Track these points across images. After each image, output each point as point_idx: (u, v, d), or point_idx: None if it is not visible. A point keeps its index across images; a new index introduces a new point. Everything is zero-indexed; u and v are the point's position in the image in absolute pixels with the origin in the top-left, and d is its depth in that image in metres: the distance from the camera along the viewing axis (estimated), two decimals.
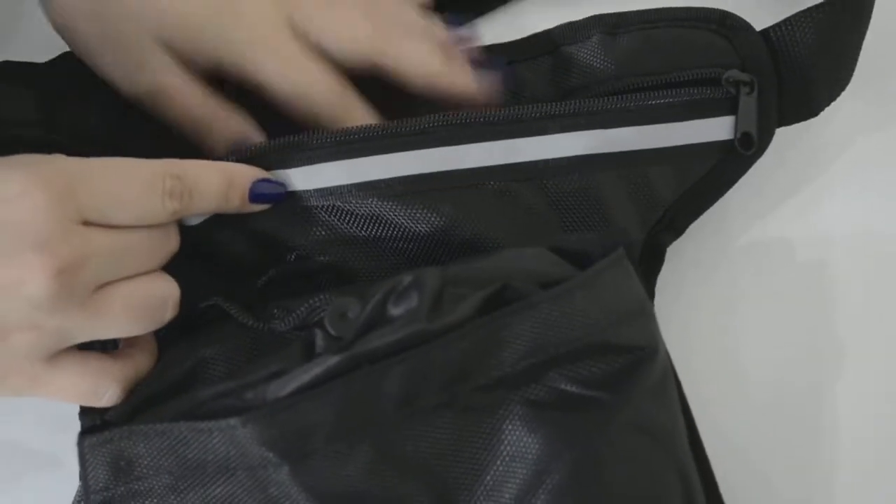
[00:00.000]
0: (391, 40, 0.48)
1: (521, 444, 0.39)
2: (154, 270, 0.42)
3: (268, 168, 0.45)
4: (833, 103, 0.52)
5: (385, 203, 0.45)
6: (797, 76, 0.50)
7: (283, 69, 0.47)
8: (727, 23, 0.50)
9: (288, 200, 0.45)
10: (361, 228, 0.46)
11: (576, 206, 0.48)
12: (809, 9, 0.50)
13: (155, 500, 0.40)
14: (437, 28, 0.50)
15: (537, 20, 0.53)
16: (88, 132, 0.46)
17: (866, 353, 0.52)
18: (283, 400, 0.38)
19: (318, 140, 0.45)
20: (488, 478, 0.39)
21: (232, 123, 0.47)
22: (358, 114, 0.48)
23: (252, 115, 0.48)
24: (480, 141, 0.46)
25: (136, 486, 0.40)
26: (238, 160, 0.45)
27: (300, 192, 0.45)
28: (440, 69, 0.49)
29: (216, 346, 0.43)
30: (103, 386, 0.41)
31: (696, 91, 0.49)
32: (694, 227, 0.52)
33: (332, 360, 0.38)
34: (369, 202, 0.45)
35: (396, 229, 0.46)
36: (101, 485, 0.40)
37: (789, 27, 0.50)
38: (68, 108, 0.47)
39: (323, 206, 0.45)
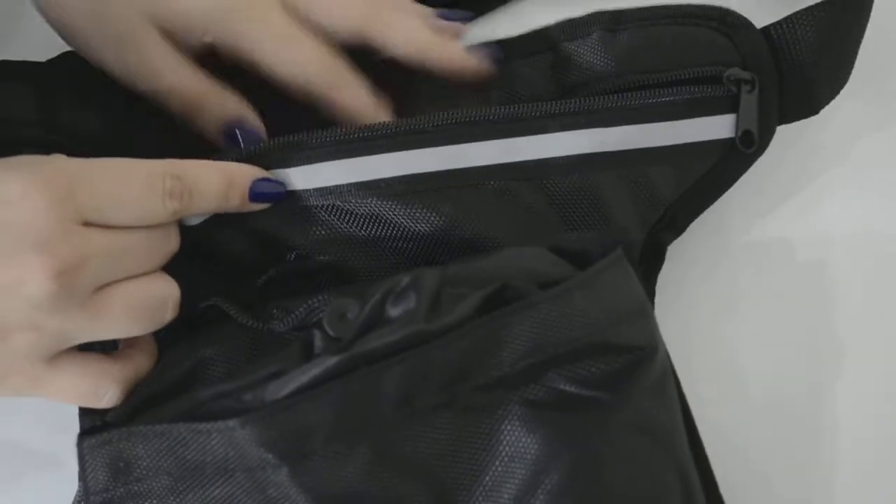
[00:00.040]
0: (381, 14, 0.48)
1: (521, 444, 0.39)
2: (154, 271, 0.42)
3: (268, 167, 0.45)
4: (833, 102, 0.52)
5: (385, 202, 0.45)
6: (798, 74, 0.50)
7: (276, 45, 0.47)
8: (728, 20, 0.50)
9: (288, 200, 0.45)
10: (361, 228, 0.46)
11: (576, 206, 0.48)
12: (810, 7, 0.50)
13: (154, 502, 0.40)
14: (425, 7, 0.50)
15: (539, 20, 0.52)
16: (88, 132, 0.46)
17: (866, 353, 0.52)
18: (282, 401, 0.38)
19: (317, 139, 0.45)
20: (487, 478, 0.39)
21: (225, 103, 0.47)
22: (351, 86, 0.48)
23: (246, 96, 0.48)
24: (480, 140, 0.46)
25: (136, 488, 0.40)
26: (238, 160, 0.44)
27: (300, 191, 0.45)
28: (429, 42, 0.49)
29: (216, 347, 0.43)
30: (103, 387, 0.41)
31: (697, 89, 0.49)
32: (694, 227, 0.52)
33: (331, 361, 0.38)
34: (369, 202, 0.45)
35: (396, 229, 0.46)
36: (100, 486, 0.40)
37: (790, 25, 0.50)
38: (68, 107, 0.47)
39: (322, 205, 0.45)
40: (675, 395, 0.43)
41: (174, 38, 0.46)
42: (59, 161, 0.40)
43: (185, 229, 0.43)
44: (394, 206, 0.45)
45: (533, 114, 0.47)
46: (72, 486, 0.41)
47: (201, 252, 0.45)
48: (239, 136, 0.47)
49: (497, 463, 0.39)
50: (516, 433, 0.39)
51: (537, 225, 0.47)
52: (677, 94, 0.48)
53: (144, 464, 0.40)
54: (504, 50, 0.51)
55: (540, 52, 0.51)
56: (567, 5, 0.52)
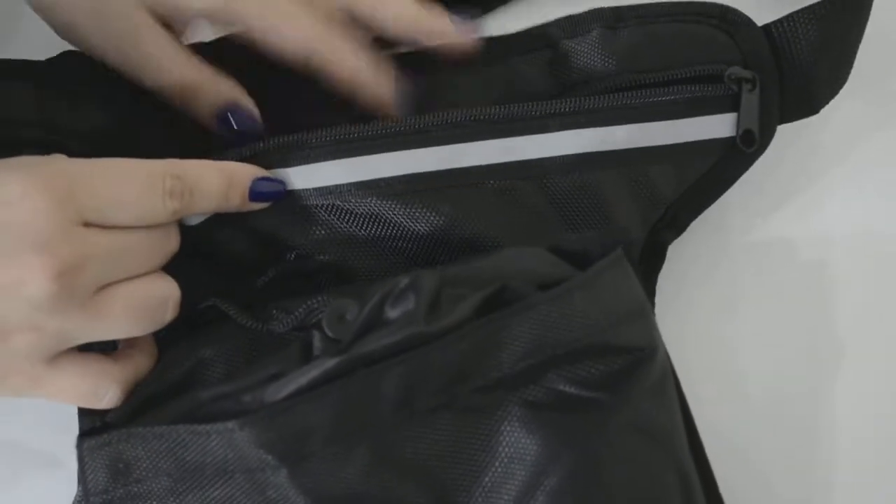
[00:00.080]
0: None
1: (520, 445, 0.39)
2: (154, 271, 0.42)
3: (268, 167, 0.45)
4: (833, 102, 0.52)
5: (384, 202, 0.45)
6: (798, 73, 0.50)
7: (274, 21, 0.46)
8: (729, 18, 0.50)
9: (287, 199, 0.45)
10: (361, 228, 0.46)
11: (576, 205, 0.48)
12: (811, 6, 0.50)
13: (154, 503, 0.40)
14: None
15: (540, 19, 0.52)
16: (88, 131, 0.46)
17: (866, 353, 0.52)
18: (281, 403, 0.38)
19: (317, 139, 0.45)
20: (487, 479, 0.39)
21: (219, 87, 0.47)
22: (350, 59, 0.48)
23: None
24: (480, 139, 0.46)
25: (135, 489, 0.40)
26: (237, 159, 0.44)
27: (300, 190, 0.45)
28: (418, 16, 0.49)
29: (215, 347, 0.43)
30: (103, 387, 0.41)
31: (697, 88, 0.49)
32: (694, 226, 0.52)
33: (330, 363, 0.38)
34: (369, 201, 0.45)
35: (396, 228, 0.46)
36: (100, 487, 0.40)
37: (791, 23, 0.50)
38: (68, 107, 0.47)
39: (322, 204, 0.45)
40: (675, 395, 0.43)
41: (168, 21, 0.46)
42: (59, 161, 0.40)
43: (185, 229, 0.43)
44: (393, 206, 0.45)
45: (533, 113, 0.47)
46: (72, 486, 0.41)
47: (201, 252, 0.45)
48: (233, 121, 0.46)
49: (496, 464, 0.39)
50: (516, 434, 0.39)
51: (537, 225, 0.47)
52: (678, 93, 0.48)
53: (144, 465, 0.40)
54: (505, 50, 0.51)
55: (539, 50, 0.51)
56: (567, 4, 0.52)
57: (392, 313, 0.39)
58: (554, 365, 0.40)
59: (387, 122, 0.46)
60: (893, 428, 0.51)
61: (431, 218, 0.46)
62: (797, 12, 0.50)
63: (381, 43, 0.50)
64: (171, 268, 0.43)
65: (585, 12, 0.51)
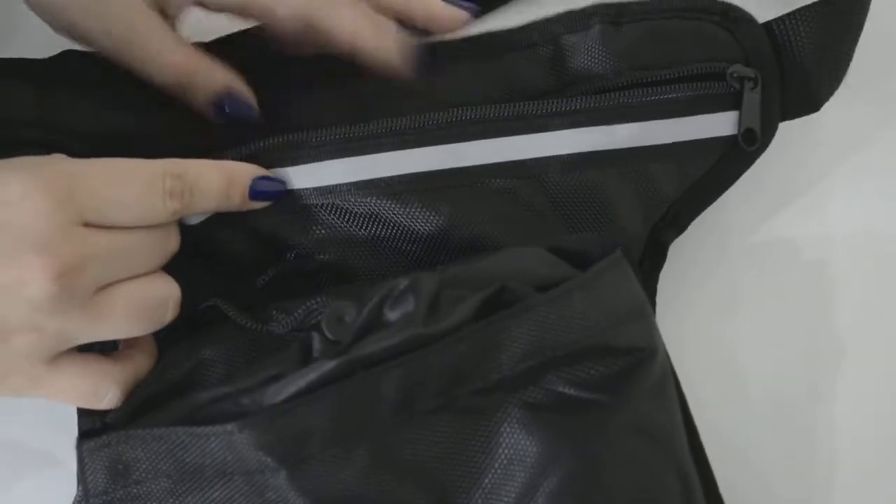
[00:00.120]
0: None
1: (520, 446, 0.39)
2: (155, 271, 0.42)
3: (268, 166, 0.45)
4: (833, 102, 0.52)
5: (384, 202, 0.45)
6: (800, 70, 0.50)
7: None
8: (730, 14, 0.50)
9: (287, 199, 0.45)
10: (361, 227, 0.46)
11: (577, 204, 0.48)
12: (812, 4, 0.50)
13: None
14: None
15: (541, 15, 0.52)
16: (88, 132, 0.46)
17: (866, 353, 0.52)
18: (280, 405, 0.38)
19: (317, 138, 0.45)
20: (486, 481, 0.39)
21: (215, 74, 0.47)
22: (346, 15, 0.48)
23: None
24: (481, 138, 0.46)
25: (135, 490, 0.40)
26: (237, 158, 0.44)
27: (299, 190, 0.45)
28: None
29: (215, 348, 0.43)
30: (104, 387, 0.41)
31: (699, 86, 0.49)
32: (693, 226, 0.52)
33: (329, 366, 0.38)
34: (368, 201, 0.45)
35: (396, 228, 0.46)
36: (100, 488, 0.40)
37: (793, 21, 0.50)
38: (68, 107, 0.47)
39: (322, 204, 0.45)
40: (675, 396, 0.43)
41: (163, 8, 0.46)
42: (59, 162, 0.40)
43: (185, 229, 0.43)
44: (393, 206, 0.45)
45: (533, 112, 0.47)
46: (71, 486, 0.41)
47: (202, 251, 0.45)
48: (229, 108, 0.46)
49: (496, 465, 0.39)
50: (515, 436, 0.39)
51: (538, 224, 0.47)
52: (679, 92, 0.48)
53: (143, 466, 0.40)
54: (502, 40, 0.51)
55: (540, 45, 0.51)
56: (569, 1, 0.52)
57: (391, 315, 0.39)
58: (553, 366, 0.40)
59: (387, 122, 0.45)
60: (893, 428, 0.51)
61: (431, 218, 0.46)
62: (799, 10, 0.50)
63: None
64: (172, 268, 0.43)
65: (586, 7, 0.50)
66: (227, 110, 0.46)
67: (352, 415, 0.38)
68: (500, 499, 0.39)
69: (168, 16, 0.47)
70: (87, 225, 0.38)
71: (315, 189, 0.45)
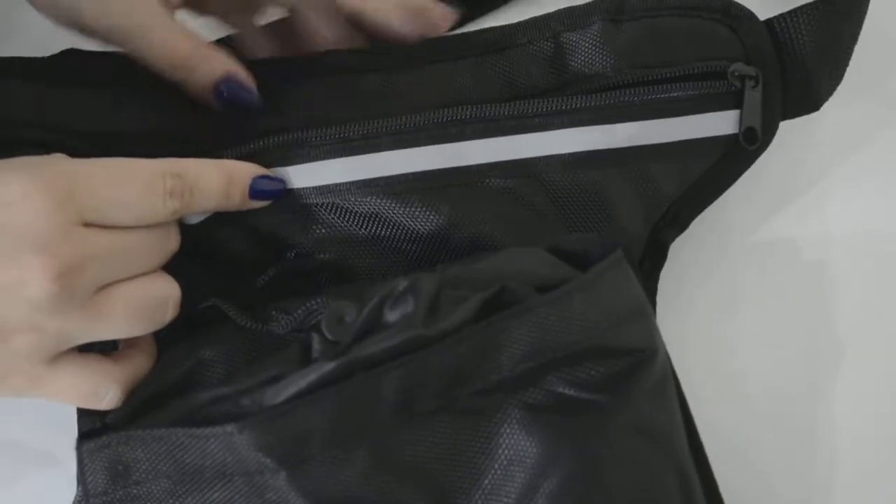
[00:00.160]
0: None
1: (520, 447, 0.39)
2: (155, 270, 0.42)
3: (267, 165, 0.45)
4: (833, 102, 0.52)
5: (384, 201, 0.45)
6: (801, 68, 0.50)
7: None
8: (731, 12, 0.50)
9: (287, 198, 0.45)
10: (361, 227, 0.46)
11: (578, 203, 0.48)
12: (813, 2, 0.50)
13: None
14: None
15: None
16: (88, 132, 0.46)
17: (866, 353, 0.52)
18: (280, 406, 0.38)
19: (317, 137, 0.45)
20: (486, 482, 0.39)
21: (215, 60, 0.46)
22: None
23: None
24: (481, 137, 0.46)
25: (135, 491, 0.40)
26: (237, 157, 0.44)
27: (299, 189, 0.45)
28: None
29: (215, 348, 0.43)
30: (104, 387, 0.41)
31: (699, 85, 0.48)
32: (694, 226, 0.52)
33: (328, 367, 0.38)
34: (368, 200, 0.45)
35: (396, 228, 0.46)
36: (99, 489, 0.40)
37: (794, 18, 0.50)
38: (68, 107, 0.46)
39: (322, 203, 0.45)
40: (675, 396, 0.43)
41: None
42: (59, 162, 0.40)
43: (185, 228, 0.43)
44: (393, 205, 0.45)
45: (534, 111, 0.47)
46: (71, 486, 0.41)
47: (202, 251, 0.45)
48: (229, 93, 0.46)
49: (496, 466, 0.39)
50: (515, 437, 0.39)
51: (538, 224, 0.47)
52: (680, 90, 0.48)
53: (143, 467, 0.40)
54: (503, 37, 0.50)
55: (540, 42, 0.50)
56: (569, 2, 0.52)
57: (391, 316, 0.39)
58: (553, 367, 0.40)
59: (387, 121, 0.45)
60: (893, 428, 0.51)
61: (431, 217, 0.46)
62: (799, 8, 0.50)
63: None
64: (172, 267, 0.43)
65: (587, 4, 0.50)
66: (227, 95, 0.46)
67: (352, 416, 0.38)
68: (500, 499, 0.39)
69: (169, 3, 0.47)
70: (87, 225, 0.38)
71: (315, 188, 0.45)
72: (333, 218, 0.46)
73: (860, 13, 0.51)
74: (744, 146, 0.49)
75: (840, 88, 0.52)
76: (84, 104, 0.47)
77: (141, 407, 0.41)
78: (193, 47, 0.46)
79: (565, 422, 0.40)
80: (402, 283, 0.39)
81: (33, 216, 0.37)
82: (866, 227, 0.54)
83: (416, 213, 0.46)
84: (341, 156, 0.45)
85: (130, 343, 0.43)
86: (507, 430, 0.39)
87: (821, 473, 0.51)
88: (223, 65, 0.46)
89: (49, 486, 0.48)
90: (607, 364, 0.40)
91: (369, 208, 0.45)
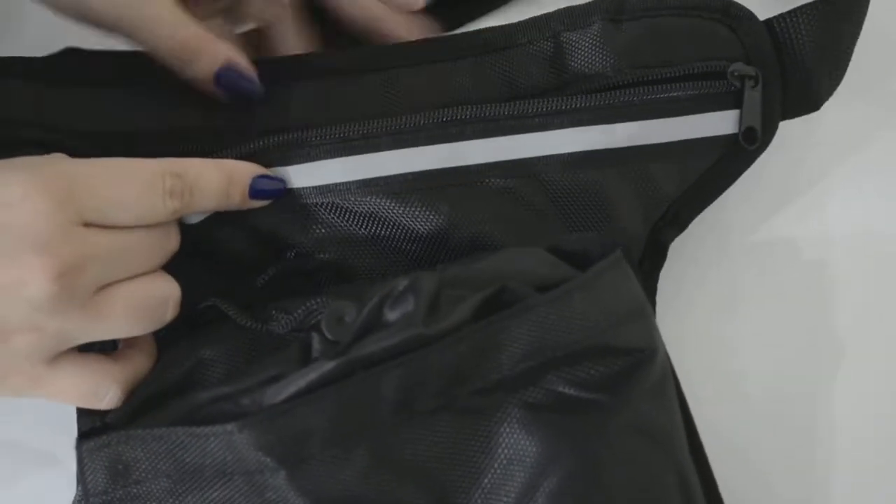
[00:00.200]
0: None
1: (519, 446, 0.39)
2: (155, 270, 0.42)
3: (267, 165, 0.45)
4: (833, 102, 0.52)
5: (384, 201, 0.45)
6: (801, 68, 0.50)
7: None
8: (731, 12, 0.50)
9: (287, 198, 0.45)
10: (361, 226, 0.46)
11: (577, 203, 0.48)
12: (813, 2, 0.49)
13: None
14: None
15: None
16: (88, 132, 0.46)
17: (866, 353, 0.52)
18: (280, 405, 0.38)
19: (317, 137, 0.45)
20: (486, 481, 0.39)
21: (218, 48, 0.46)
22: None
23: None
24: (480, 137, 0.46)
25: (135, 490, 0.40)
26: (237, 157, 0.44)
27: (299, 189, 0.45)
28: None
29: (215, 347, 0.43)
30: (104, 387, 0.41)
31: (699, 85, 0.48)
32: (693, 226, 0.52)
33: (328, 366, 0.38)
34: (368, 200, 0.45)
35: (396, 228, 0.46)
36: (99, 488, 0.40)
37: (794, 18, 0.50)
38: (68, 107, 0.47)
39: (322, 203, 0.45)
40: (675, 396, 0.43)
41: None
42: (59, 162, 0.40)
43: (185, 228, 0.43)
44: (393, 205, 0.46)
45: (533, 111, 0.47)
46: (71, 486, 0.41)
47: (201, 251, 0.45)
48: (231, 82, 0.46)
49: (496, 465, 0.39)
50: (515, 436, 0.39)
51: (538, 224, 0.47)
52: (680, 90, 0.48)
53: (143, 466, 0.40)
54: (503, 37, 0.51)
55: (539, 42, 0.50)
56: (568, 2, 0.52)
57: (391, 315, 0.39)
58: (553, 366, 0.40)
59: (386, 121, 0.45)
60: (893, 428, 0.51)
61: (431, 217, 0.46)
62: (799, 8, 0.50)
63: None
64: (172, 267, 0.43)
65: (587, 4, 0.50)
66: (228, 84, 0.46)
67: (351, 415, 0.38)
68: (500, 499, 0.39)
69: None
70: (87, 225, 0.38)
71: (315, 188, 0.45)
72: (333, 218, 0.46)
73: (860, 13, 0.51)
74: (743, 146, 0.49)
75: (840, 88, 0.52)
76: (84, 104, 0.47)
77: (141, 406, 0.41)
78: (197, 36, 0.46)
79: (565, 421, 0.40)
80: (402, 283, 0.39)
81: (33, 216, 0.37)
82: (866, 227, 0.54)
83: (416, 212, 0.46)
84: (341, 155, 0.45)
85: (130, 343, 0.43)
86: (507, 430, 0.39)
87: (820, 473, 0.51)
88: (225, 54, 0.46)
89: (49, 485, 0.48)
90: (607, 363, 0.40)
91: (369, 208, 0.46)
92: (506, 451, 0.39)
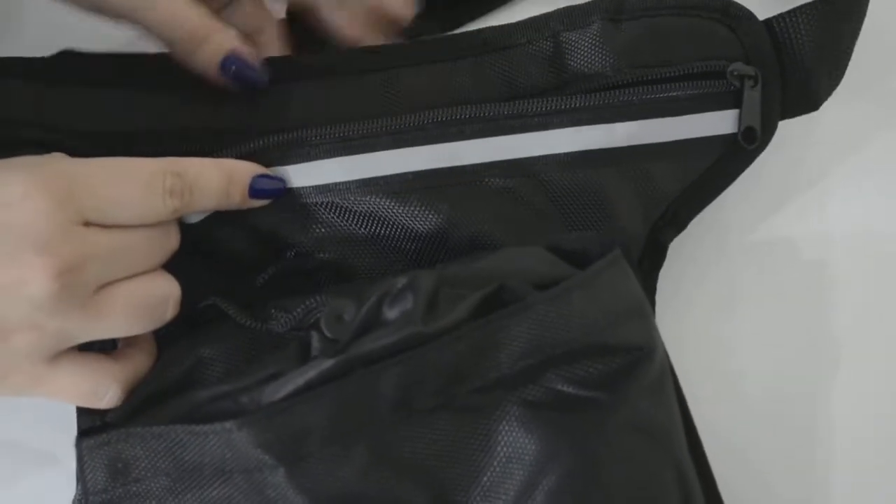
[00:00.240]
0: None
1: (518, 444, 0.39)
2: (155, 269, 0.42)
3: (267, 164, 0.45)
4: (833, 101, 0.52)
5: (384, 200, 0.46)
6: (800, 68, 0.50)
7: None
8: (730, 12, 0.50)
9: (287, 197, 0.45)
10: (360, 226, 0.46)
11: (577, 203, 0.48)
12: (812, 2, 0.50)
13: (153, 502, 0.40)
14: None
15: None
16: (88, 131, 0.46)
17: (866, 353, 0.52)
18: (279, 403, 0.38)
19: (317, 136, 0.45)
20: (485, 479, 0.39)
21: (224, 37, 0.46)
22: None
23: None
24: (480, 137, 0.46)
25: (135, 488, 0.40)
26: (237, 156, 0.44)
27: (299, 188, 0.45)
28: None
29: (214, 346, 0.43)
30: (104, 386, 0.41)
31: (699, 84, 0.48)
32: (692, 225, 0.52)
33: (327, 364, 0.38)
34: (368, 199, 0.45)
35: (395, 227, 0.46)
36: (99, 486, 0.40)
37: (793, 18, 0.50)
38: (68, 107, 0.47)
39: (322, 202, 0.46)
40: (674, 394, 0.43)
41: None
42: (59, 161, 0.40)
43: (185, 227, 0.43)
44: (392, 204, 0.46)
45: (533, 110, 0.47)
46: (71, 485, 0.41)
47: (201, 250, 0.45)
48: (237, 70, 0.46)
49: (495, 463, 0.39)
50: (514, 434, 0.39)
51: (537, 223, 0.47)
52: (679, 90, 0.48)
53: (143, 465, 0.40)
54: (502, 36, 0.51)
55: (539, 42, 0.50)
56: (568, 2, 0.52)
57: (390, 314, 0.39)
58: (552, 365, 0.40)
59: (386, 121, 0.46)
60: (893, 428, 0.51)
61: (430, 216, 0.46)
62: (799, 7, 0.50)
63: None
64: (172, 266, 0.43)
65: (586, 3, 0.50)
66: (233, 72, 0.46)
67: (351, 413, 0.38)
68: (499, 497, 0.39)
69: None
70: (87, 224, 0.38)
71: (314, 187, 0.45)
72: (333, 217, 0.46)
73: (860, 13, 0.51)
74: (743, 146, 0.49)
75: (840, 88, 0.52)
76: (84, 104, 0.47)
77: (141, 405, 0.41)
78: (202, 23, 0.46)
79: (564, 419, 0.40)
80: (401, 281, 0.39)
81: (33, 216, 0.37)
82: (866, 226, 0.54)
83: (416, 212, 0.46)
84: (341, 155, 0.45)
85: (130, 342, 0.43)
86: (506, 428, 0.39)
87: (820, 473, 0.51)
88: (230, 42, 0.46)
89: (49, 485, 0.48)
90: (606, 361, 0.40)
91: (369, 207, 0.46)
92: (505, 449, 0.39)
